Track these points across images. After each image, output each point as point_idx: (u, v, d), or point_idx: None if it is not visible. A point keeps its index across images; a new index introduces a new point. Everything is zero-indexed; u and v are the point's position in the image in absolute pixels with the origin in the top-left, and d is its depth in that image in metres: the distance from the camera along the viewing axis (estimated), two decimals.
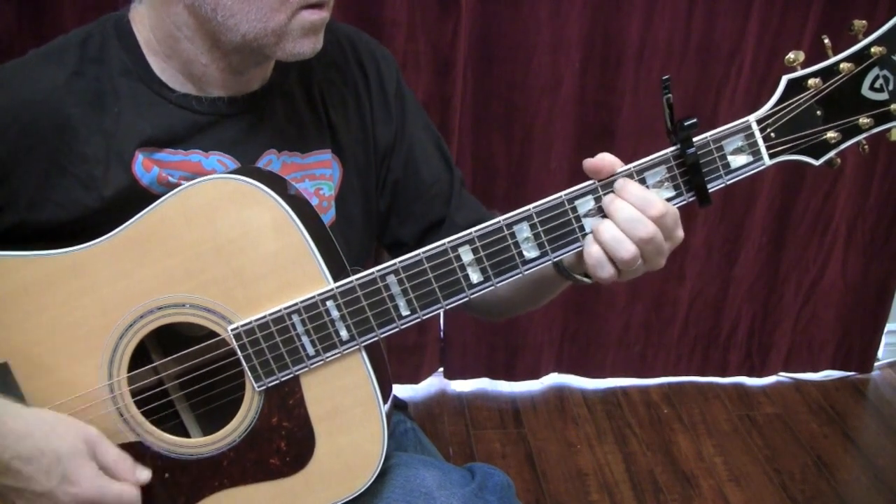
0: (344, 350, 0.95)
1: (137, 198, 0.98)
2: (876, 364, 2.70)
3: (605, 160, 0.89)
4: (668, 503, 2.13)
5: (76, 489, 0.92)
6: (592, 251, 0.91)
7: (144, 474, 0.99)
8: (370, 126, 1.13)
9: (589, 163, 0.90)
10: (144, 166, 1.00)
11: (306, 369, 0.96)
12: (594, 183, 0.90)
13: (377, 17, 1.99)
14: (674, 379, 2.60)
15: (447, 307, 0.94)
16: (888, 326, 2.65)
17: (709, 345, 2.57)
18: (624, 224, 0.89)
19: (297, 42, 0.96)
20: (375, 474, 0.97)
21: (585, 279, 0.98)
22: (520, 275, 0.93)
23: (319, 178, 1.09)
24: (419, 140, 1.17)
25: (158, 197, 0.96)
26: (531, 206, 0.91)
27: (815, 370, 2.67)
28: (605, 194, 0.90)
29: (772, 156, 0.90)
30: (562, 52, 2.11)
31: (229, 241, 0.93)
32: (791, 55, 0.88)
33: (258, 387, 0.97)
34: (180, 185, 0.96)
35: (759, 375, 2.62)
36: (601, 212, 0.91)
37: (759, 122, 0.89)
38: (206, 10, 0.94)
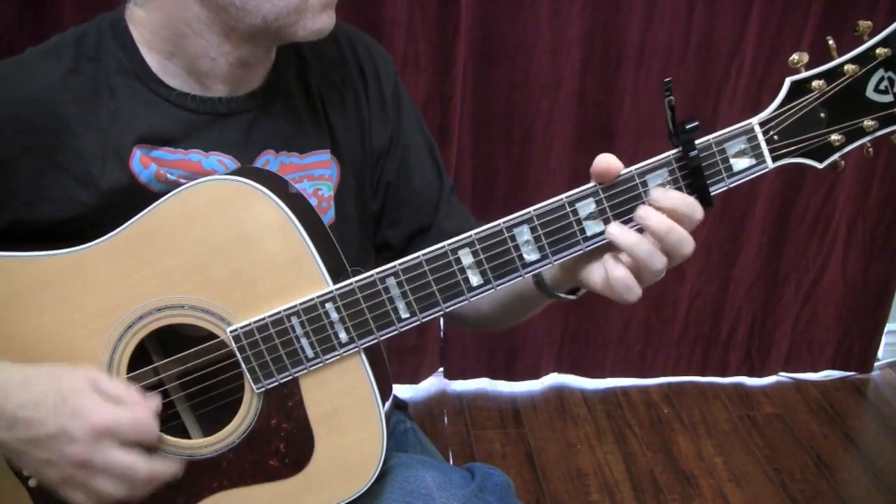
0: (343, 352, 0.95)
1: (135, 195, 0.98)
2: (876, 364, 2.70)
3: (612, 165, 0.88)
4: (668, 503, 2.13)
5: (87, 420, 0.90)
6: (619, 275, 0.89)
7: (154, 400, 0.96)
8: (367, 126, 1.13)
9: (598, 167, 0.88)
10: (142, 163, 0.99)
11: (305, 371, 0.96)
12: (595, 185, 0.90)
13: (377, 17, 1.99)
14: (674, 379, 2.60)
15: (447, 310, 0.93)
16: (888, 326, 2.65)
17: (709, 345, 2.57)
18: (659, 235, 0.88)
19: (315, 18, 0.96)
20: (375, 476, 0.97)
21: (570, 297, 0.98)
22: (520, 278, 0.92)
23: (318, 178, 1.08)
24: (413, 143, 1.17)
25: (156, 194, 0.96)
26: (531, 208, 0.90)
27: (815, 370, 2.67)
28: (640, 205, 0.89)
29: (775, 159, 0.89)
30: (562, 52, 2.11)
31: (228, 242, 0.93)
32: (795, 56, 0.87)
33: (257, 388, 0.96)
34: (179, 182, 0.96)
35: (759, 375, 2.62)
36: (603, 214, 0.90)
37: (762, 124, 0.89)
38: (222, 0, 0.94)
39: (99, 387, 0.93)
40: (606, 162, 0.88)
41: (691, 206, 0.88)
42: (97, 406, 0.91)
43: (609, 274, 0.90)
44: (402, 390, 2.45)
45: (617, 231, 0.88)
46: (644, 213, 0.88)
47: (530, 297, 1.03)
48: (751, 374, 2.62)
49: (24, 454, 0.92)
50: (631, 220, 0.90)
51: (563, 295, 0.99)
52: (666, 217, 0.87)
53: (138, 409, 0.93)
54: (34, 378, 0.92)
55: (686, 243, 0.88)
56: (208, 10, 0.96)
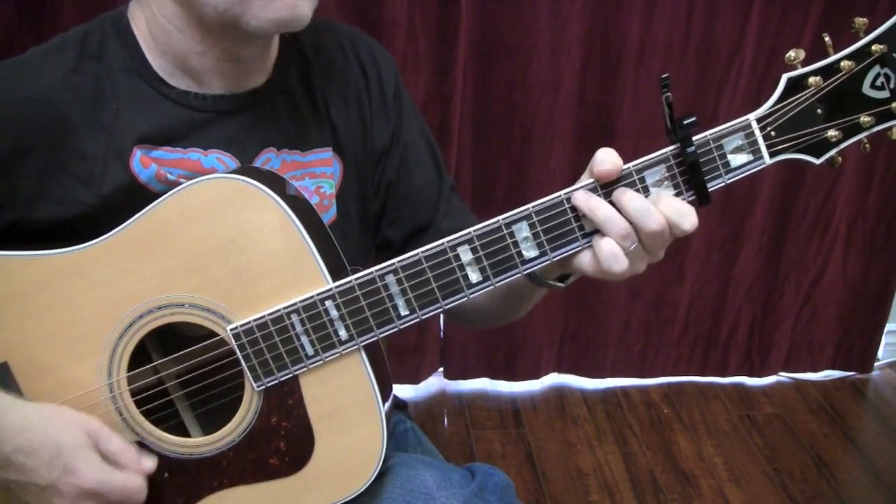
0: (343, 350, 0.95)
1: (136, 195, 0.98)
2: (876, 364, 2.70)
3: (615, 168, 0.88)
4: (668, 503, 2.13)
5: (78, 480, 0.92)
6: (604, 245, 0.89)
7: (149, 463, 0.99)
8: (369, 126, 1.13)
9: (602, 173, 0.88)
10: (142, 163, 1.00)
11: (305, 369, 0.96)
12: (593, 182, 0.90)
13: (377, 17, 1.99)
14: (674, 379, 2.60)
15: (446, 307, 0.94)
16: (888, 326, 2.65)
17: (709, 345, 2.57)
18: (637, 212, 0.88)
19: (266, 6, 0.91)
20: (375, 474, 0.97)
21: (559, 284, 0.98)
22: (519, 274, 0.92)
23: (320, 176, 1.09)
24: (414, 144, 1.17)
25: (157, 194, 0.96)
26: (530, 205, 0.90)
27: (815, 370, 2.67)
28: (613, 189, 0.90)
29: (772, 154, 0.90)
30: (562, 52, 2.11)
31: (228, 240, 0.93)
32: (791, 53, 0.87)
33: (257, 387, 0.96)
34: (179, 182, 0.96)
35: (759, 375, 2.62)
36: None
37: (759, 120, 0.89)
38: None
39: (98, 444, 0.95)
40: (611, 163, 0.88)
41: (681, 213, 0.88)
42: (90, 467, 0.94)
43: (595, 246, 0.90)
44: (402, 390, 2.45)
45: (585, 199, 0.89)
46: (618, 195, 0.89)
47: (521, 287, 1.03)
48: (751, 374, 2.62)
49: (11, 491, 0.94)
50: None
51: (552, 282, 0.99)
52: (637, 196, 0.88)
53: (131, 476, 0.96)
54: (34, 422, 0.93)
55: (651, 216, 0.87)
56: (179, 6, 0.96)
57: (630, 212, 0.88)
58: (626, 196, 0.88)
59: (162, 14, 0.98)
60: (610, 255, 0.89)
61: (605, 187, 0.90)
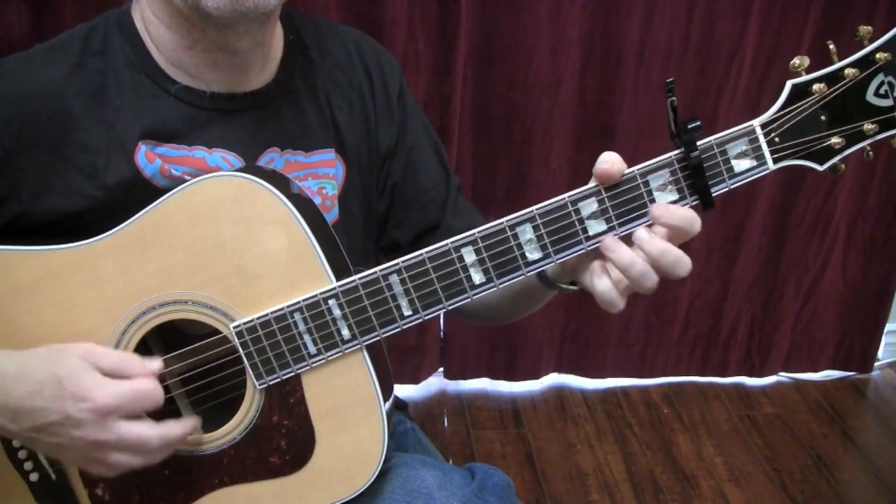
0: (345, 349, 0.95)
1: (140, 189, 0.99)
2: (876, 364, 2.70)
3: (615, 167, 0.88)
4: (668, 503, 2.13)
5: (90, 403, 0.89)
6: (604, 287, 0.90)
7: (155, 364, 0.95)
8: (373, 128, 1.13)
9: (601, 172, 0.89)
10: (147, 158, 1.00)
11: (307, 368, 0.96)
12: (597, 185, 0.90)
13: (377, 17, 1.99)
14: (674, 379, 2.60)
15: (449, 307, 0.94)
16: (888, 326, 2.65)
17: (709, 345, 2.57)
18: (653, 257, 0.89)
19: None
20: (376, 473, 0.98)
21: (571, 287, 0.98)
22: (522, 276, 0.93)
23: (323, 177, 1.09)
24: (419, 145, 1.17)
25: (161, 189, 0.97)
26: (534, 207, 0.90)
27: (815, 370, 2.67)
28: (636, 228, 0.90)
29: (776, 160, 0.90)
30: (562, 52, 2.11)
31: (233, 238, 0.94)
32: (796, 60, 0.88)
33: (259, 385, 0.97)
34: (183, 179, 0.96)
35: (759, 375, 2.63)
36: (605, 214, 0.90)
37: (763, 126, 0.89)
38: None
39: (96, 362, 0.92)
40: (610, 163, 0.88)
41: (691, 221, 0.88)
42: (97, 386, 0.90)
43: (593, 285, 0.91)
44: (402, 390, 2.45)
45: (612, 245, 0.89)
46: (641, 236, 0.88)
47: (533, 288, 1.03)
48: (751, 374, 2.63)
49: (36, 441, 0.92)
50: (632, 219, 0.90)
51: (564, 286, 0.99)
52: (661, 242, 0.88)
53: (139, 379, 0.92)
54: (29, 366, 0.91)
55: (681, 265, 0.89)
56: (161, 1, 0.97)
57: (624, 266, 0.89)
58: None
59: (150, 10, 0.99)
60: (607, 300, 0.91)
61: (609, 190, 0.90)
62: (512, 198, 2.25)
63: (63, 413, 0.89)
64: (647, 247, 0.88)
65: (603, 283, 0.91)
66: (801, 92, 0.88)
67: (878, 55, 0.87)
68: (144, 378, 0.93)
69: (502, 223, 0.91)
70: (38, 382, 0.90)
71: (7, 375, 0.90)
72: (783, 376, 2.66)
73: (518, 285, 0.94)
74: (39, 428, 0.90)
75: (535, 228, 0.91)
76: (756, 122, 0.89)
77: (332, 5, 1.96)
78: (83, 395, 0.89)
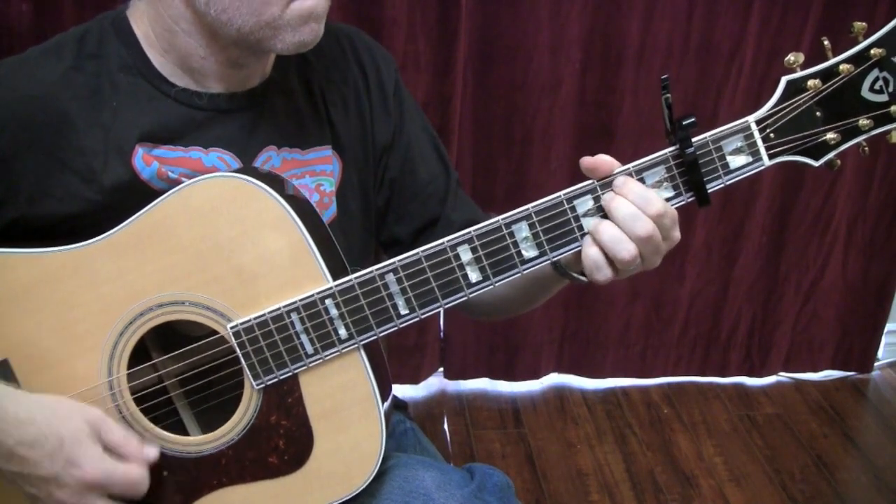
0: (342, 349, 0.95)
1: (138, 192, 0.99)
2: (876, 364, 2.70)
3: (603, 159, 0.90)
4: (668, 503, 2.13)
5: (81, 472, 0.92)
6: (591, 253, 0.91)
7: (152, 452, 0.98)
8: (369, 124, 1.13)
9: (587, 161, 0.90)
10: (144, 160, 1.00)
11: (305, 368, 0.96)
12: (593, 182, 0.90)
13: (377, 17, 2.00)
14: (674, 379, 2.60)
15: (446, 306, 0.94)
16: (888, 326, 2.65)
17: (709, 345, 2.57)
18: (623, 222, 0.89)
19: (296, 31, 0.95)
20: (374, 473, 0.97)
21: (583, 277, 0.98)
22: (518, 274, 0.93)
23: (320, 174, 1.09)
24: (417, 139, 1.17)
25: (159, 191, 0.97)
26: (530, 205, 0.91)
27: (815, 370, 2.67)
28: (604, 193, 0.90)
29: (771, 156, 0.90)
30: (562, 52, 2.12)
31: (229, 239, 0.94)
32: (791, 56, 0.88)
33: (257, 385, 0.97)
34: (180, 181, 0.96)
35: (759, 375, 2.62)
36: (600, 211, 0.91)
37: (758, 122, 0.89)
38: (200, 5, 0.94)
39: (100, 434, 0.95)
40: (597, 157, 0.89)
41: (646, 199, 0.89)
42: (93, 458, 0.93)
43: (582, 251, 0.92)
44: (402, 390, 2.45)
45: (590, 219, 0.91)
46: (607, 198, 0.90)
47: (546, 278, 1.03)
48: (751, 374, 2.62)
49: (15, 483, 0.93)
50: None
51: (576, 275, 0.99)
52: (626, 202, 0.89)
53: (133, 467, 0.95)
54: (35, 414, 0.92)
55: (637, 221, 0.89)
56: (192, 12, 0.97)
57: (619, 219, 0.89)
58: (615, 202, 0.90)
59: (168, 14, 0.98)
60: (592, 263, 0.92)
61: (605, 188, 0.90)
62: (512, 198, 2.25)
63: (53, 472, 0.91)
64: (610, 206, 0.90)
65: (591, 249, 0.91)
66: (796, 88, 0.89)
67: (872, 51, 0.87)
68: (138, 466, 0.96)
69: (498, 221, 0.91)
70: (41, 435, 0.91)
71: (11, 417, 0.91)
72: (783, 376, 2.66)
73: (531, 274, 0.95)
74: (25, 476, 0.92)
75: (531, 226, 0.91)
76: (751, 118, 0.89)
77: (332, 5, 1.96)
78: (78, 463, 0.92)
